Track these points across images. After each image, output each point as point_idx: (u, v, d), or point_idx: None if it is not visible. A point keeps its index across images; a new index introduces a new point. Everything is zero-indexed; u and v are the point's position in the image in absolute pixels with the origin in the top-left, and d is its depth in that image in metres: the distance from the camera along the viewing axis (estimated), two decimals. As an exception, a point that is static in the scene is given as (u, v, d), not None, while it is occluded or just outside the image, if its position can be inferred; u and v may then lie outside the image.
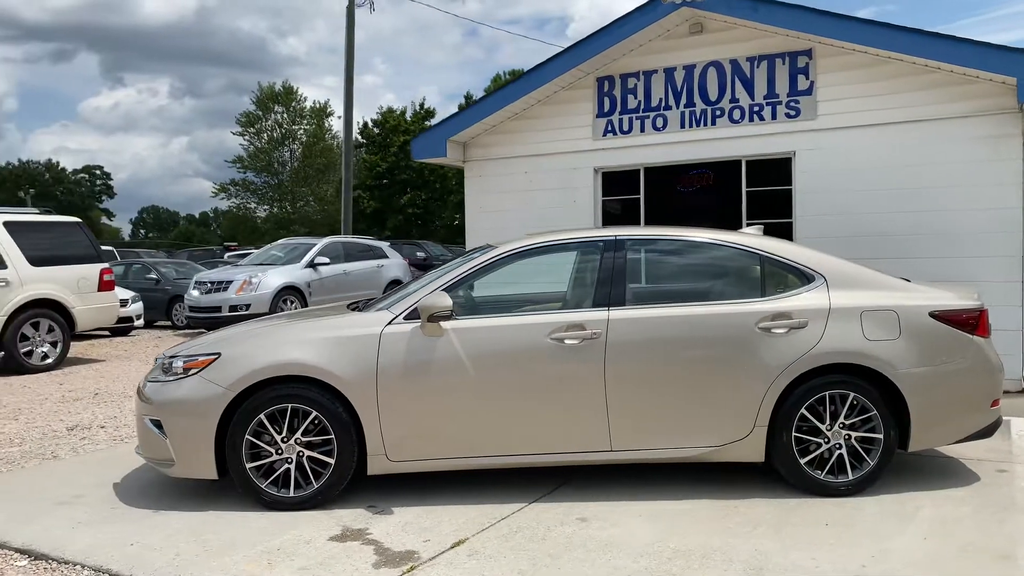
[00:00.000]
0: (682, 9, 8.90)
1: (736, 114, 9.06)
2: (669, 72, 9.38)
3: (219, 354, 4.95)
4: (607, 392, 4.89)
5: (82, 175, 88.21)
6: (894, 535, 4.32)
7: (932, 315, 5.00)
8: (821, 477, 4.93)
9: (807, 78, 8.70)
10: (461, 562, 4.07)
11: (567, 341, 4.90)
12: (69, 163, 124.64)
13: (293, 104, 53.64)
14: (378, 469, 4.93)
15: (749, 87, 8.97)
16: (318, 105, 54.87)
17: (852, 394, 4.92)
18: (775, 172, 9.00)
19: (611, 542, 4.30)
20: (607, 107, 9.71)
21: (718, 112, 9.15)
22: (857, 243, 8.42)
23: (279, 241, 18.08)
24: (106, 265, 11.87)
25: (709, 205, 9.92)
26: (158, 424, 4.95)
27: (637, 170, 9.72)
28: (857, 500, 4.86)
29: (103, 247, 30.14)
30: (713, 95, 9.15)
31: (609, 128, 9.70)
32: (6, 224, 10.71)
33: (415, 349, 4.89)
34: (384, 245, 18.06)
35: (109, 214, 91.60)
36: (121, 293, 15.91)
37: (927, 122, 8.20)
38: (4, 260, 10.52)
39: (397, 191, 46.30)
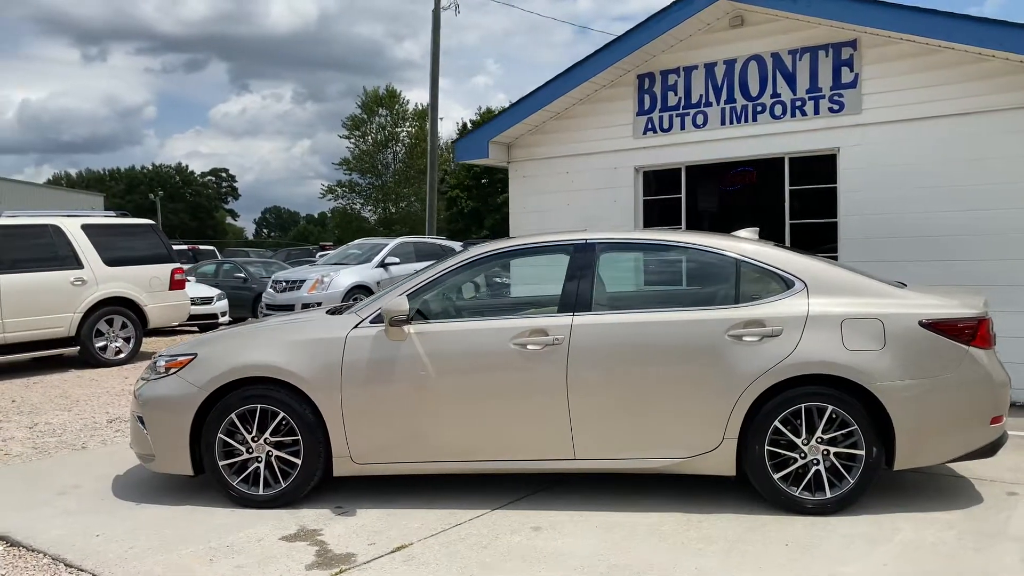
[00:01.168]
0: (721, 2, 8.60)
1: (777, 109, 8.68)
2: (709, 67, 9.09)
3: (195, 355, 5.13)
4: (569, 400, 4.79)
5: (209, 177, 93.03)
6: (854, 559, 4.06)
7: (922, 324, 4.67)
8: (796, 494, 4.68)
9: (851, 70, 8.25)
10: (393, 567, 4.08)
11: (529, 347, 4.83)
12: (200, 166, 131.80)
13: (396, 107, 54.92)
14: (344, 471, 4.99)
15: (791, 81, 8.59)
16: (421, 107, 55.98)
17: (831, 407, 4.64)
18: (820, 170, 8.58)
19: (553, 553, 4.21)
20: (647, 105, 9.50)
21: (759, 108, 8.79)
22: (902, 244, 7.96)
23: (356, 241, 18.55)
24: (177, 265, 12.47)
25: (752, 204, 9.55)
26: (142, 420, 5.18)
27: (678, 169, 9.46)
28: (833, 520, 4.59)
29: (206, 247, 31.57)
30: (754, 90, 8.81)
31: (649, 126, 9.48)
32: (83, 227, 11.40)
33: (378, 353, 4.92)
34: (457, 245, 18.24)
35: (233, 214, 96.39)
36: (208, 291, 16.71)
37: (980, 114, 7.63)
38: (81, 260, 11.20)
39: (494, 190, 46.70)
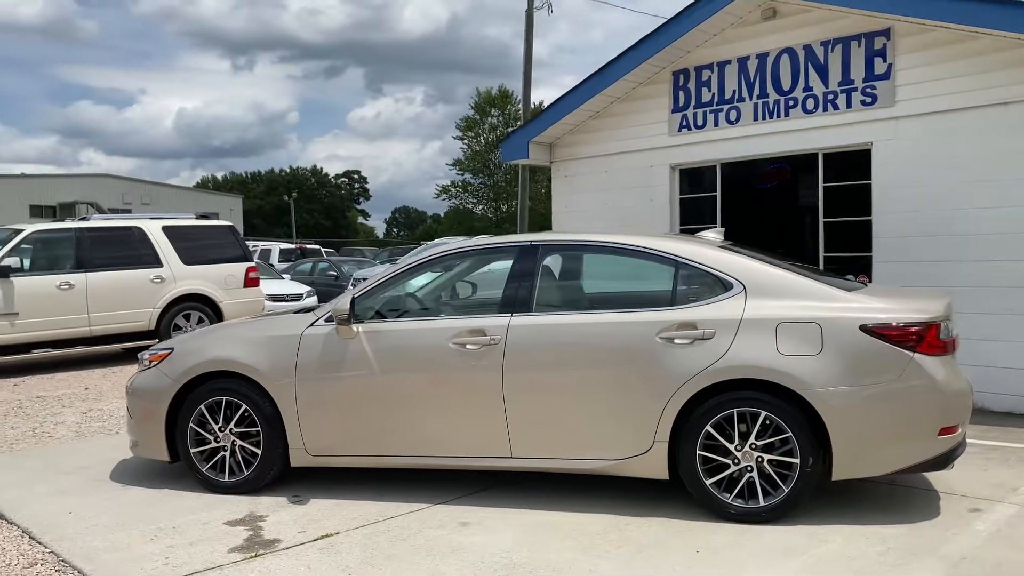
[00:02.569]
0: (752, -6, 8.38)
1: (810, 103, 8.37)
2: (742, 62, 8.85)
3: (173, 349, 5.53)
4: (505, 399, 4.86)
5: (342, 179, 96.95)
6: (757, 569, 3.97)
7: (863, 329, 4.47)
8: (729, 500, 4.58)
9: (884, 61, 7.86)
10: (306, 553, 4.28)
11: (468, 346, 4.93)
12: (338, 168, 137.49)
13: (508, 108, 55.45)
14: (300, 462, 5.25)
15: (823, 74, 8.26)
16: (534, 107, 56.25)
17: (764, 413, 4.52)
18: (855, 165, 8.21)
19: (463, 548, 4.31)
20: (682, 102, 9.35)
21: (791, 102, 8.50)
22: (939, 243, 7.54)
23: (435, 240, 19.00)
24: (252, 264, 13.19)
25: (787, 202, 9.21)
26: (129, 409, 5.62)
27: (713, 166, 9.26)
28: (765, 528, 4.47)
29: (311, 247, 32.84)
30: (786, 84, 8.52)
31: (684, 123, 9.33)
32: (164, 228, 12.26)
33: (329, 350, 5.15)
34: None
35: (365, 214, 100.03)
36: (298, 288, 17.58)
37: (1021, 104, 7.12)
38: (161, 259, 12.06)
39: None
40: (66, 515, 4.97)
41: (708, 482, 4.61)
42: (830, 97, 8.21)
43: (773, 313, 4.58)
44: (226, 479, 5.31)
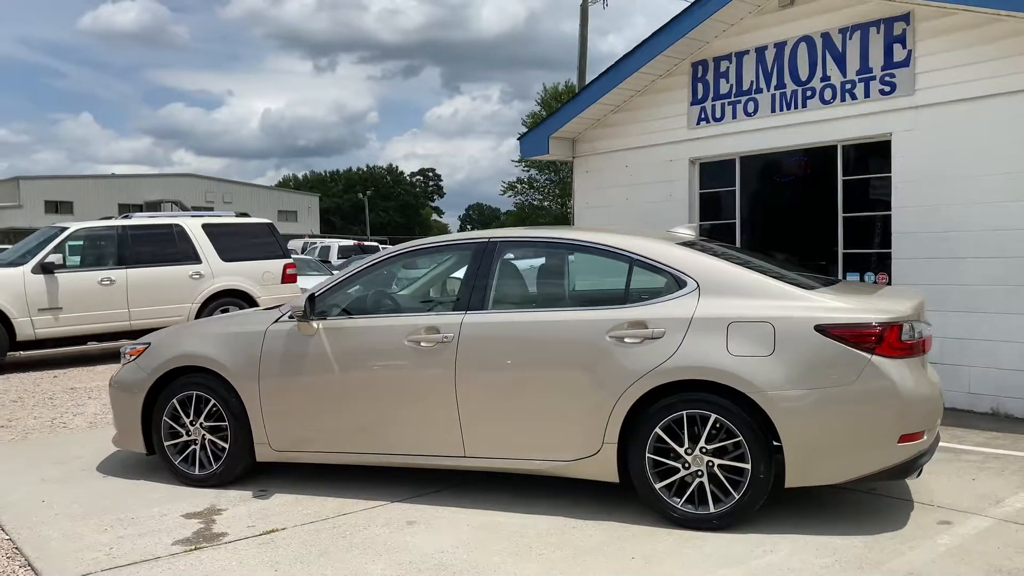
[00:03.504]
0: (768, -19, 8.09)
1: (827, 93, 8.03)
2: (760, 52, 8.55)
3: (149, 344, 5.65)
4: (458, 398, 4.81)
5: (417, 177, 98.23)
6: (686, 578, 3.82)
7: (818, 329, 4.25)
8: (679, 506, 4.43)
9: (904, 47, 7.47)
10: (245, 548, 4.32)
11: (423, 344, 4.89)
12: (415, 166, 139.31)
13: (577, 102, 54.92)
14: (264, 457, 5.30)
15: (841, 63, 7.91)
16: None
17: (714, 416, 4.34)
18: (875, 158, 7.85)
19: (399, 548, 4.28)
20: (700, 94, 9.09)
21: (808, 92, 8.17)
22: (962, 239, 7.16)
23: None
24: (290, 260, 13.44)
25: (807, 196, 8.83)
26: (111, 402, 5.77)
27: (732, 160, 8.99)
28: (711, 536, 4.30)
29: (370, 244, 33.26)
30: (803, 74, 8.19)
31: (703, 116, 9.08)
32: (204, 226, 12.60)
33: (290, 347, 5.18)
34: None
35: (439, 211, 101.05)
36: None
37: (1046, 90, 6.69)
38: (200, 256, 12.40)
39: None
40: (39, 504, 5.13)
41: (658, 486, 4.46)
42: (848, 87, 7.86)
43: (725, 312, 4.40)
44: (196, 472, 5.40)
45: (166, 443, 5.47)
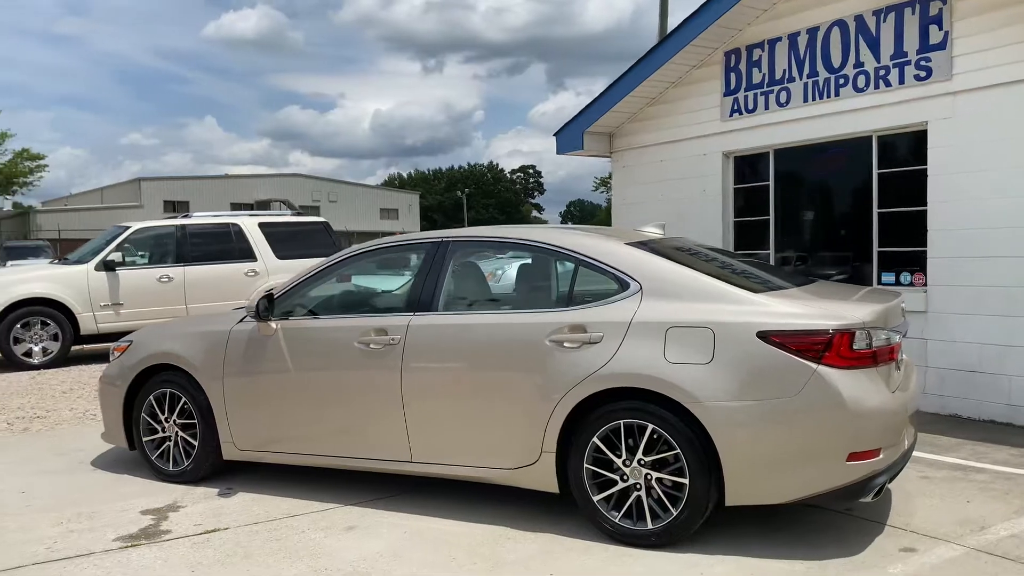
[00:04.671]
0: (799, -37, 7.63)
1: (860, 81, 7.50)
2: (792, 38, 8.07)
3: (132, 342, 5.79)
4: (404, 402, 4.70)
5: (518, 174, 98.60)
6: (594, 599, 3.60)
7: (760, 336, 3.93)
8: (616, 520, 4.19)
9: (940, 28, 6.89)
10: (176, 547, 4.33)
11: (372, 346, 4.81)
12: (519, 163, 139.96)
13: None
14: (230, 455, 5.34)
15: (875, 47, 7.37)
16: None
17: (651, 426, 4.09)
18: (912, 149, 7.29)
19: (325, 553, 4.21)
20: (733, 84, 8.67)
21: (841, 80, 7.66)
22: (1003, 237, 6.58)
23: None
24: (344, 258, 13.63)
25: (842, 191, 8.27)
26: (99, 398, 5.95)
27: (766, 153, 8.53)
28: (641, 555, 4.06)
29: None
30: (836, 61, 7.68)
31: (735, 107, 8.65)
32: (260, 224, 12.93)
33: (251, 347, 5.19)
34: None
35: (539, 208, 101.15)
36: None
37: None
38: (255, 254, 12.72)
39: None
40: (17, 495, 5.32)
41: (596, 498, 4.23)
42: (882, 73, 7.32)
43: (664, 316, 4.13)
44: (170, 468, 5.49)
45: (144, 439, 5.59)
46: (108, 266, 11.59)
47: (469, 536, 4.38)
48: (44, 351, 11.19)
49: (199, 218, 12.78)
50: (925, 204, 7.11)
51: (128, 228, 12.20)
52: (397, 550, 4.22)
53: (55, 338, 11.23)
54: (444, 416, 4.62)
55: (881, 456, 3.89)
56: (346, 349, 4.88)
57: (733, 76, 8.65)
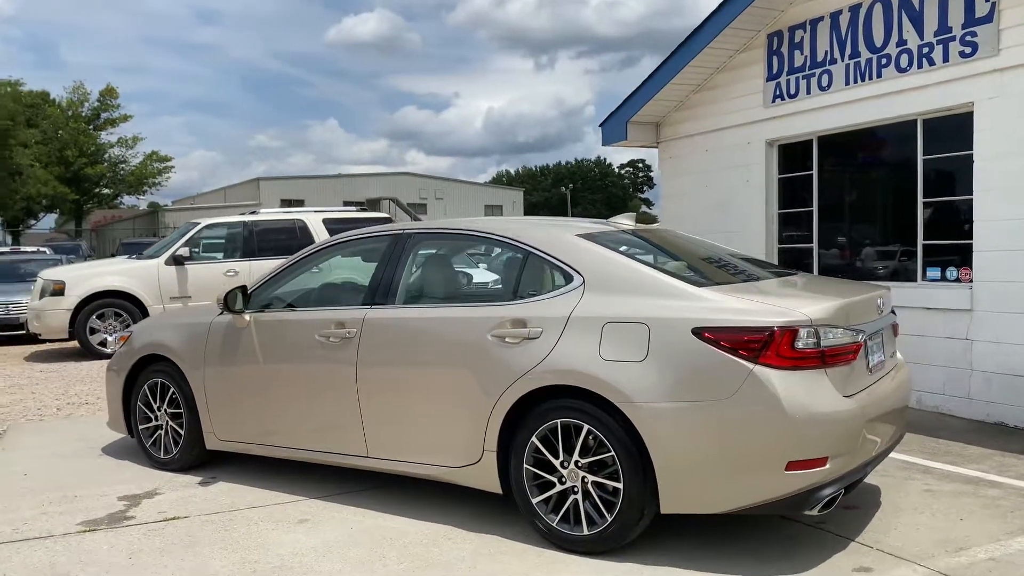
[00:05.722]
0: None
1: (903, 60, 6.94)
2: (834, 17, 7.56)
3: (132, 332, 5.96)
4: (359, 395, 4.64)
5: (627, 169, 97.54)
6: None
7: (695, 332, 3.66)
8: (553, 524, 3.99)
9: (986, 0, 6.30)
10: (128, 534, 4.39)
11: (331, 339, 4.77)
12: (629, 158, 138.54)
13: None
14: (212, 445, 5.41)
15: (918, 23, 6.80)
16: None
17: (586, 427, 3.87)
18: (960, 133, 6.69)
19: (265, 545, 4.20)
20: (776, 68, 8.20)
21: (883, 60, 7.11)
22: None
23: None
24: (407, 253, 13.75)
25: (886, 180, 7.65)
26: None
27: (809, 140, 8.03)
28: (573, 562, 3.86)
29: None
30: (879, 40, 7.14)
31: (778, 92, 8.18)
32: (324, 220, 13.17)
33: (227, 339, 5.24)
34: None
35: (648, 203, 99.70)
36: (488, 276, 18.03)
37: None
38: (319, 249, 13.00)
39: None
40: (20, 476, 5.57)
41: (535, 500, 4.05)
42: (925, 51, 6.75)
43: (602, 311, 3.90)
44: (162, 456, 5.63)
45: (140, 427, 5.74)
46: (177, 261, 12.07)
47: (412, 535, 4.28)
48: (118, 341, 11.74)
49: (265, 214, 13.15)
50: (972, 193, 6.51)
51: (198, 225, 12.67)
52: (333, 546, 4.16)
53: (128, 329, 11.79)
54: (395, 412, 4.53)
55: (828, 466, 3.54)
56: (308, 342, 4.86)
57: (775, 60, 8.19)
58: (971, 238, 6.52)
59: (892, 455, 5.40)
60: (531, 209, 75.28)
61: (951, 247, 6.78)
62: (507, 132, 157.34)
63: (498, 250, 4.66)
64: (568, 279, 4.11)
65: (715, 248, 5.02)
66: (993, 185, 6.32)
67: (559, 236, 4.32)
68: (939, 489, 4.74)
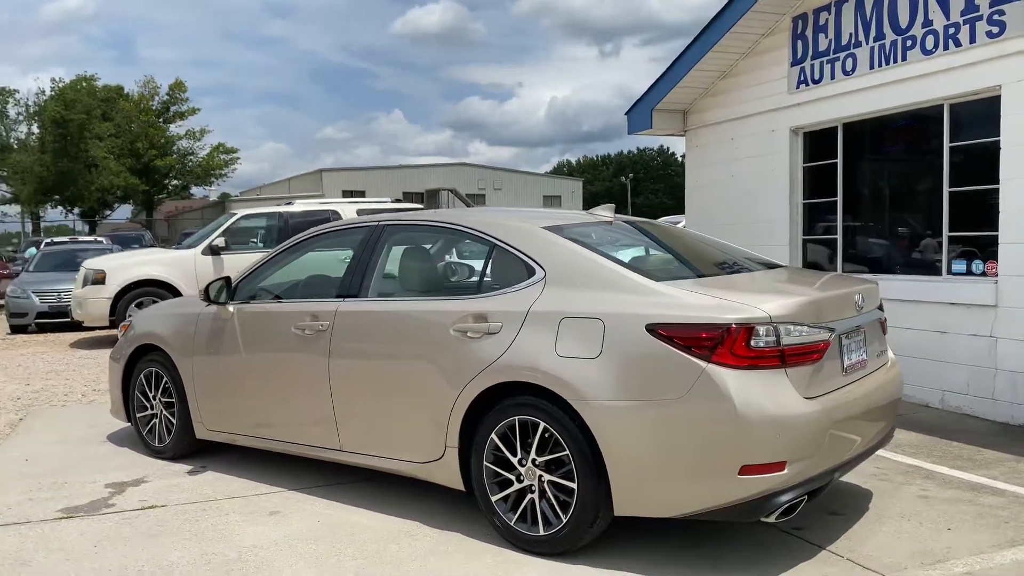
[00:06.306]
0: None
1: (929, 42, 6.58)
2: (859, -2, 7.23)
3: (132, 322, 6.04)
4: (331, 388, 4.60)
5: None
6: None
7: (649, 329, 3.50)
8: (511, 523, 3.89)
9: (1015, -24, 5.92)
10: (101, 523, 4.43)
11: (306, 332, 4.74)
12: (680, 149, 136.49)
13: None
14: (200, 434, 5.44)
15: (944, 2, 6.43)
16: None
17: (543, 424, 3.76)
18: (988, 118, 6.32)
19: (224, 537, 4.18)
20: (800, 53, 7.88)
21: (909, 42, 6.75)
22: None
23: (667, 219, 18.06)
24: (441, 244, 13.75)
25: (912, 169, 7.26)
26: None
27: (834, 128, 7.70)
28: (530, 563, 3.75)
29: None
30: (904, 20, 6.78)
31: (802, 78, 7.87)
32: (359, 211, 13.24)
33: (213, 330, 5.26)
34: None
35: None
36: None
37: None
38: (353, 240, 13.09)
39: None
40: (21, 461, 5.71)
41: (494, 498, 3.95)
42: (951, 31, 6.39)
43: (560, 305, 3.77)
44: (157, 444, 5.69)
45: (137, 415, 5.82)
46: (213, 251, 12.26)
47: (376, 530, 4.22)
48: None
49: (300, 205, 13.28)
50: (998, 182, 6.15)
51: (234, 215, 12.86)
52: (294, 540, 4.13)
53: (164, 317, 12.04)
54: (364, 406, 4.49)
55: (786, 471, 3.36)
56: (286, 334, 4.84)
57: (800, 44, 7.87)
58: (997, 229, 6.16)
59: (896, 458, 5.18)
60: (591, 199, 74.76)
61: (978, 239, 6.42)
62: (570, 121, 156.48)
63: (467, 242, 4.55)
64: (531, 272, 3.98)
65: (699, 241, 4.84)
66: (1020, 173, 5.95)
67: (524, 228, 4.20)
68: (935, 496, 4.48)
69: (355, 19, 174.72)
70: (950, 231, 6.60)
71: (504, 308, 3.95)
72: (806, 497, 3.50)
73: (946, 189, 6.61)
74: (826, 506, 4.30)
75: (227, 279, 5.21)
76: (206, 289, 5.15)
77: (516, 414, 3.84)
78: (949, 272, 6.61)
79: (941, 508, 4.28)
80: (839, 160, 7.66)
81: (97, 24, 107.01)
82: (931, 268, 6.81)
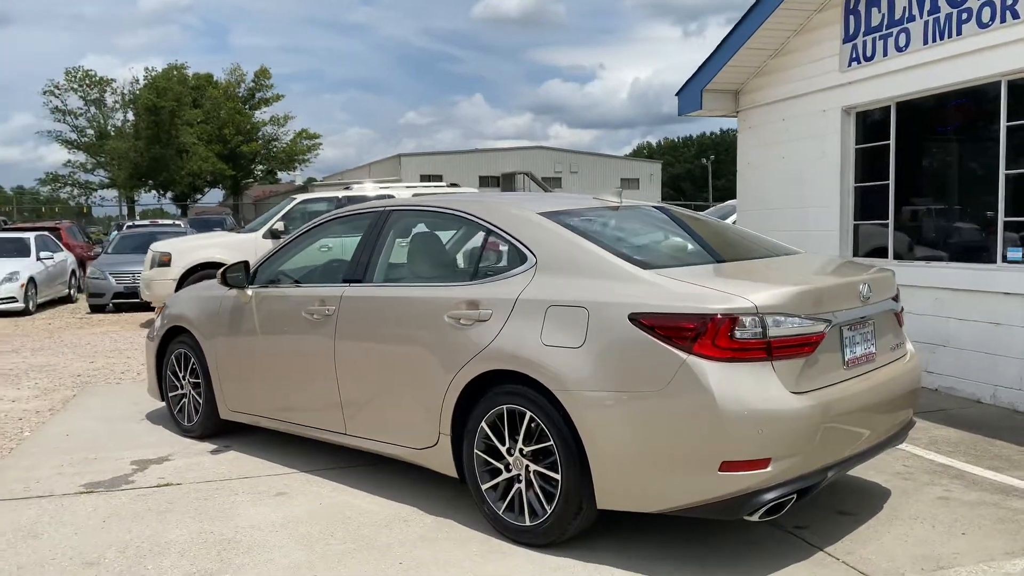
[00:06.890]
0: None
1: (985, 14, 6.18)
2: (914, -31, 6.83)
3: (166, 304, 6.21)
4: (337, 372, 4.64)
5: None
6: (411, 596, 3.34)
7: (631, 318, 3.39)
8: (500, 512, 3.86)
9: (1076, -60, 5.50)
10: (117, 498, 4.59)
11: (315, 316, 4.78)
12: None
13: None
14: (224, 415, 5.56)
15: (1001, -29, 6.04)
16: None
17: (529, 413, 3.70)
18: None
19: (227, 517, 4.27)
20: (852, 29, 7.52)
21: (964, 15, 6.36)
22: None
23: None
24: (497, 228, 13.73)
25: (968, 150, 6.81)
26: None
27: (887, 107, 7.33)
28: (516, 552, 3.71)
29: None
30: (959, -9, 6.40)
31: (854, 55, 7.51)
32: (414, 196, 13.33)
33: (234, 313, 5.36)
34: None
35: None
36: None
37: None
38: (410, 223, 13.19)
39: None
40: (63, 437, 5.95)
41: (484, 487, 3.92)
42: (1009, 2, 5.99)
43: (547, 293, 3.70)
44: (187, 423, 5.86)
45: (169, 395, 6.00)
46: (274, 234, 12.51)
47: (372, 515, 4.24)
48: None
49: (358, 190, 13.44)
50: (1058, 163, 5.75)
51: (294, 200, 13.11)
52: (292, 522, 4.19)
53: (226, 299, 12.40)
54: (367, 390, 4.50)
55: (770, 469, 3.21)
56: (297, 318, 4.89)
57: (852, 20, 7.51)
58: (1055, 215, 5.77)
59: (928, 456, 4.94)
60: (671, 181, 73.66)
61: (1035, 225, 6.03)
62: (653, 103, 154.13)
63: (464, 228, 4.50)
64: (523, 259, 3.91)
65: (709, 225, 4.67)
66: (1080, 154, 5.55)
67: (518, 214, 4.12)
68: (958, 497, 4.24)
69: (437, 3, 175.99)
70: (1006, 216, 6.22)
71: (495, 295, 3.89)
72: (795, 496, 3.34)
73: (1002, 171, 6.22)
74: (836, 505, 4.12)
75: (245, 264, 5.29)
76: (223, 273, 5.24)
77: (504, 403, 3.79)
78: (1004, 260, 6.23)
79: (960, 511, 4.04)
80: (891, 141, 7.29)
81: (193, 13, 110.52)
82: (985, 255, 6.43)
